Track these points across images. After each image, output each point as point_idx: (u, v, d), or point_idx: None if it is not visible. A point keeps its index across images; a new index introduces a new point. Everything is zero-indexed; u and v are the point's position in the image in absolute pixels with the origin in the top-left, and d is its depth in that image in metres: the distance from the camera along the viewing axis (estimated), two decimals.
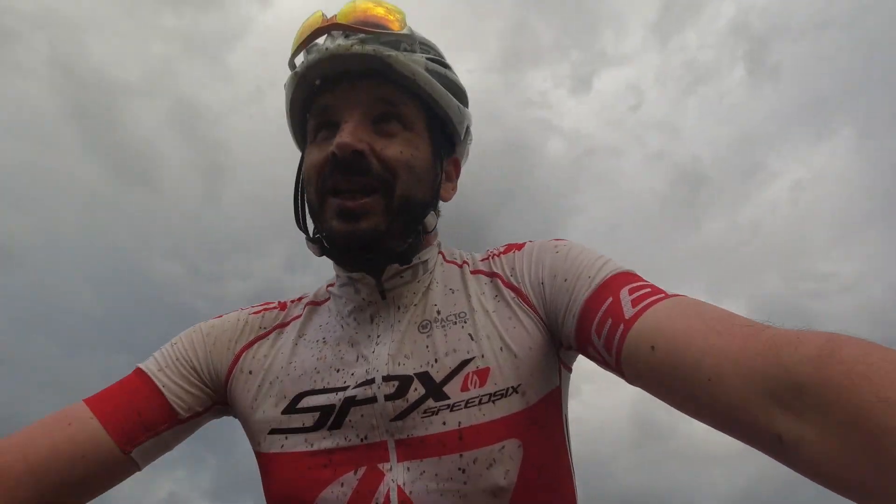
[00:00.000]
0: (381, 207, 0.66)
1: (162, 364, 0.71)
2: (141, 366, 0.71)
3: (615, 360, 0.57)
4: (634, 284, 0.61)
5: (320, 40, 0.69)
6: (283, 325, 0.76)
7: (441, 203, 0.76)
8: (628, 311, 0.57)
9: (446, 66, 0.73)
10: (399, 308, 0.71)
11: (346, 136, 0.64)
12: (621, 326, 0.56)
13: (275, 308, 0.79)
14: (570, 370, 0.72)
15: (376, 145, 0.66)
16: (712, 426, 0.49)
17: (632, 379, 0.57)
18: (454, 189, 0.79)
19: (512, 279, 0.71)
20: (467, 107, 0.77)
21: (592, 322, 0.60)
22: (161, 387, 0.69)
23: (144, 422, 0.67)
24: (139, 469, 0.68)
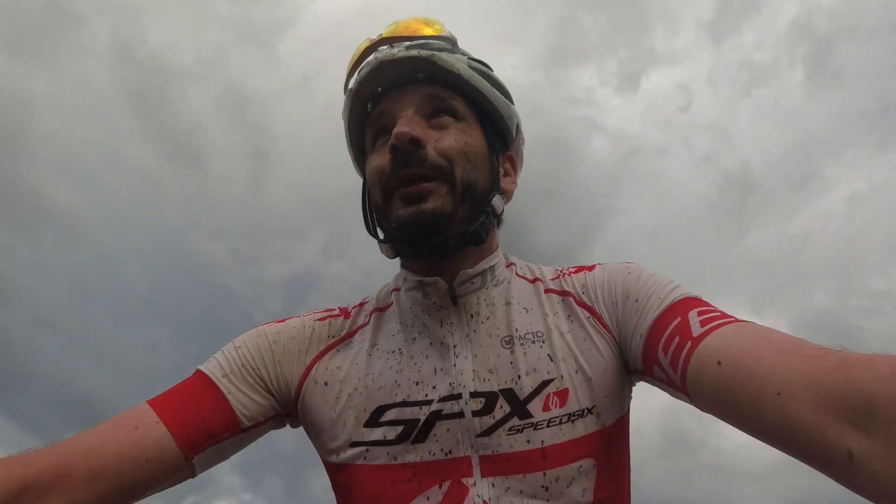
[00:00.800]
0: (444, 190, 0.67)
1: (226, 369, 0.70)
2: (202, 369, 0.70)
3: (680, 378, 0.57)
4: (704, 308, 0.62)
5: (369, 58, 0.73)
6: (352, 333, 0.76)
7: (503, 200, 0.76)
8: (696, 329, 0.58)
9: (487, 66, 0.77)
10: (472, 316, 0.72)
11: (402, 125, 0.67)
12: (689, 343, 0.57)
13: (339, 315, 0.79)
14: (632, 394, 0.73)
15: (431, 137, 0.69)
16: (777, 444, 0.48)
17: (696, 396, 0.57)
18: (514, 184, 0.80)
19: (584, 298, 0.72)
20: (513, 104, 0.79)
21: (660, 340, 0.61)
22: (226, 393, 0.68)
23: (209, 428, 0.66)
24: (193, 476, 0.68)
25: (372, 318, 0.77)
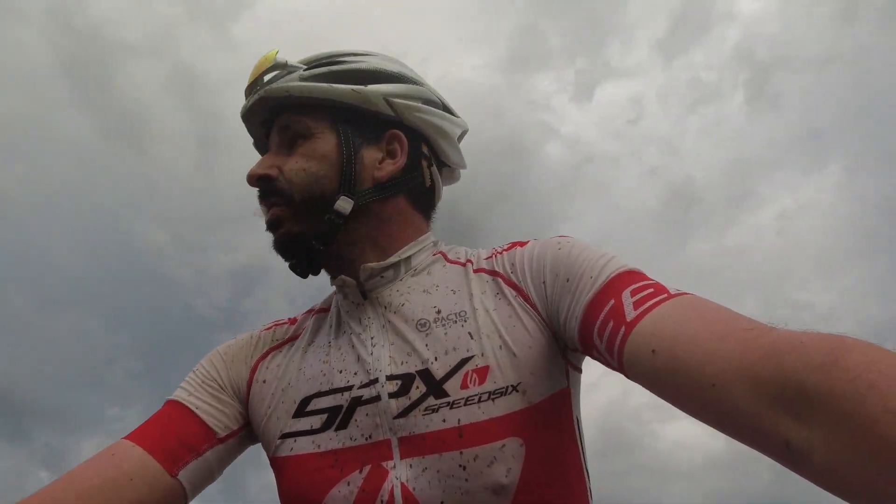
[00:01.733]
0: (288, 213, 0.72)
1: (190, 389, 0.73)
2: (171, 397, 0.73)
3: (618, 364, 0.57)
4: (638, 285, 0.59)
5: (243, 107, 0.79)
6: (294, 337, 0.79)
7: (381, 185, 0.75)
8: (629, 313, 0.56)
9: (334, 62, 0.77)
10: (386, 308, 0.72)
11: (254, 167, 0.74)
12: (622, 329, 0.55)
13: (285, 323, 0.82)
14: (579, 371, 0.72)
15: (283, 165, 0.73)
16: (719, 430, 0.48)
17: (636, 380, 0.56)
18: (392, 165, 0.76)
19: (513, 277, 0.71)
20: (391, 82, 0.76)
21: (594, 324, 0.59)
22: (194, 409, 0.71)
23: (186, 443, 0.68)
24: (187, 499, 0.68)
25: (313, 320, 0.79)
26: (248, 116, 0.78)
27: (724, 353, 0.46)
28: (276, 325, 0.82)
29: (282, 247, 0.73)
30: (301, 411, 0.69)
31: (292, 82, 0.74)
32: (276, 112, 0.77)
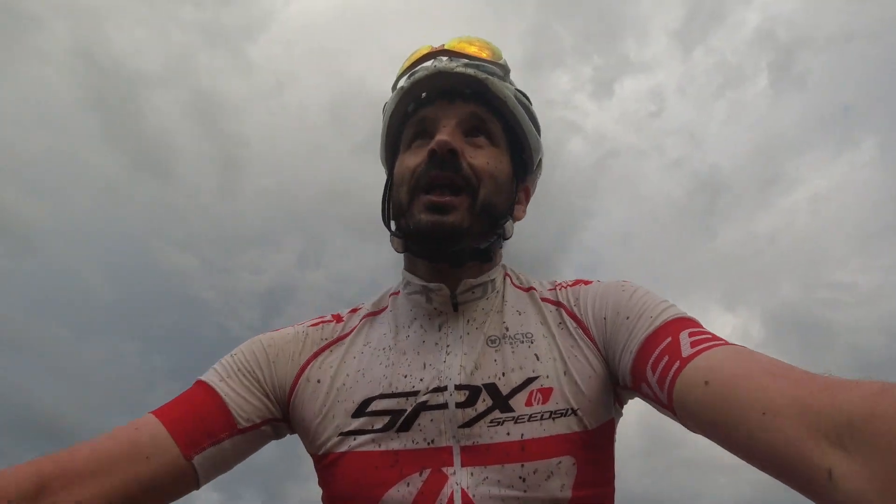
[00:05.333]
0: (466, 206, 0.73)
1: (223, 374, 0.73)
2: (202, 378, 0.73)
3: (667, 397, 0.59)
4: (695, 329, 0.63)
5: (427, 63, 0.79)
6: (344, 336, 0.80)
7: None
8: (686, 350, 0.59)
9: (529, 99, 0.82)
10: (469, 321, 0.75)
11: (445, 135, 0.73)
12: (678, 363, 0.58)
13: (331, 321, 0.82)
14: (622, 407, 0.75)
15: (467, 152, 0.75)
16: (760, 463, 0.49)
17: (682, 414, 0.58)
18: (524, 212, 0.85)
19: (575, 310, 0.76)
20: (539, 135, 0.84)
21: (649, 359, 0.63)
22: (223, 395, 0.71)
23: (206, 428, 0.68)
24: (198, 486, 0.69)
25: (365, 321, 0.81)
26: (441, 76, 0.76)
27: (777, 387, 0.48)
28: (322, 321, 0.82)
29: (443, 233, 0.72)
30: (362, 411, 0.70)
31: (509, 92, 0.78)
32: (454, 93, 0.77)
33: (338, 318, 0.82)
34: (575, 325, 0.74)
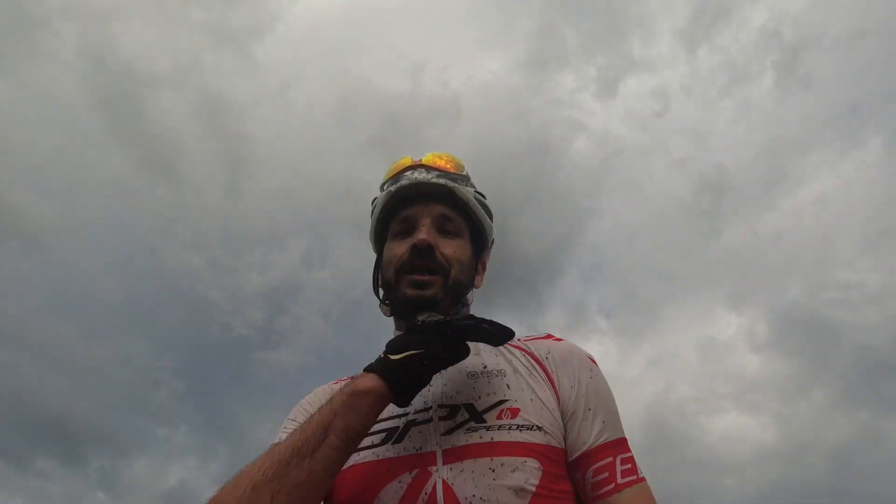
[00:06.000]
0: (440, 283, 0.96)
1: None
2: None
3: (590, 492, 0.85)
4: (625, 456, 0.88)
5: (408, 173, 1.05)
6: None
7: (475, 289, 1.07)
8: (619, 477, 0.85)
9: (484, 196, 1.10)
10: None
11: (424, 234, 0.97)
12: (612, 485, 0.84)
13: (348, 379, 1.02)
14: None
15: (440, 244, 0.99)
16: None
17: None
18: (482, 281, 1.10)
19: (547, 363, 0.96)
20: (491, 220, 1.10)
21: (593, 464, 0.86)
22: None
23: None
24: None
25: None
26: (420, 185, 1.02)
27: None
28: (342, 380, 1.02)
29: (423, 303, 0.93)
30: None
31: (469, 195, 1.04)
32: (429, 197, 1.03)
33: (352, 378, 1.03)
34: (545, 375, 0.94)
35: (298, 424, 0.86)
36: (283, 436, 0.88)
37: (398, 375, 0.80)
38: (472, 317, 0.86)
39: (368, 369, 0.82)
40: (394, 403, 0.82)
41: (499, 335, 0.85)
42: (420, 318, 0.87)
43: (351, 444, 0.77)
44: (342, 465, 0.77)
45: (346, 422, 0.76)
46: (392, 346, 0.84)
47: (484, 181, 1.14)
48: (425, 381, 0.83)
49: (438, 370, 0.84)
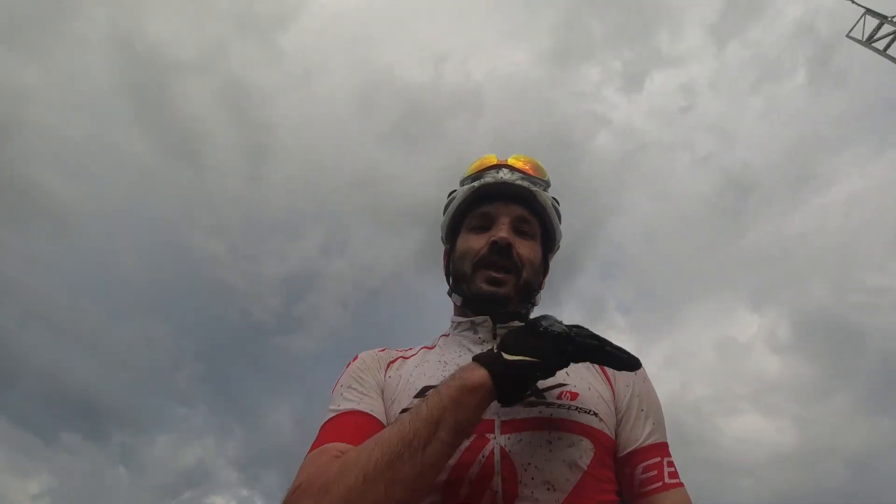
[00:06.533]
0: (513, 283, 1.02)
1: (361, 397, 0.94)
2: (348, 408, 0.92)
3: (637, 489, 0.90)
4: (669, 459, 0.93)
5: (493, 171, 1.10)
6: (406, 357, 1.06)
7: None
8: (667, 477, 0.90)
9: (558, 203, 1.14)
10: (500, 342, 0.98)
11: (505, 232, 1.03)
12: (660, 483, 0.89)
13: (391, 349, 1.10)
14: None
15: (516, 244, 1.03)
16: None
17: None
18: (545, 283, 1.14)
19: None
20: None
21: (642, 462, 0.91)
22: (377, 414, 0.92)
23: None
24: None
25: (420, 351, 1.08)
26: (504, 184, 1.07)
27: None
28: (383, 349, 1.09)
29: (497, 299, 1.00)
30: (421, 394, 0.91)
31: (548, 201, 1.10)
32: (510, 197, 1.07)
33: (400, 350, 1.08)
34: (598, 368, 0.99)
35: (354, 392, 0.94)
36: (342, 405, 0.92)
37: (508, 376, 0.79)
38: (596, 336, 0.84)
39: (479, 360, 0.81)
40: (497, 401, 0.80)
41: (626, 361, 0.83)
42: (543, 322, 0.85)
43: (459, 439, 0.77)
44: (449, 460, 0.77)
45: (456, 418, 0.75)
46: (508, 344, 0.83)
47: None
48: (530, 388, 0.85)
49: (546, 379, 0.84)
